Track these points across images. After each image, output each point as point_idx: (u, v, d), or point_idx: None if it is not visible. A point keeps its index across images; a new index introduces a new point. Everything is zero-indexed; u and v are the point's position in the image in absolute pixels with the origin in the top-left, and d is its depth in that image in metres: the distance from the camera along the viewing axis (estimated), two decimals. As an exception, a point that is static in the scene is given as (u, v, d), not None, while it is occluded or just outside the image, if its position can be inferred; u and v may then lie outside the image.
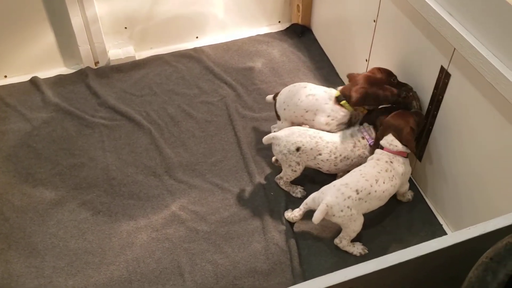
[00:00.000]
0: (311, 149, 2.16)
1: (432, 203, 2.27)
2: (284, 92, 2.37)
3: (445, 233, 2.17)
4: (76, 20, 2.79)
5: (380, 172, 2.02)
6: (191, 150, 2.56)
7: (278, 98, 2.39)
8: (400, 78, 2.21)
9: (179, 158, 2.52)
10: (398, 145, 2.05)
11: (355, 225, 2.01)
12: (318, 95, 2.28)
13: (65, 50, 2.96)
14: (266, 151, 2.54)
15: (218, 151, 2.57)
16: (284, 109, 2.35)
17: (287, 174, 2.26)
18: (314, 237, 2.17)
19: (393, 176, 2.04)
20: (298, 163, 2.21)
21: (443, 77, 1.95)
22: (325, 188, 2.03)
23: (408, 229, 2.20)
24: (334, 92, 2.28)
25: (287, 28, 3.34)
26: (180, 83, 2.96)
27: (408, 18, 2.11)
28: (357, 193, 1.96)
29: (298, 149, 2.16)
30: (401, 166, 2.05)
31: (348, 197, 1.95)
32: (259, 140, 2.58)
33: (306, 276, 2.03)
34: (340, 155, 2.18)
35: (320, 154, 2.17)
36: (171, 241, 2.15)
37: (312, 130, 2.23)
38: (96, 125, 2.66)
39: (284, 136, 2.19)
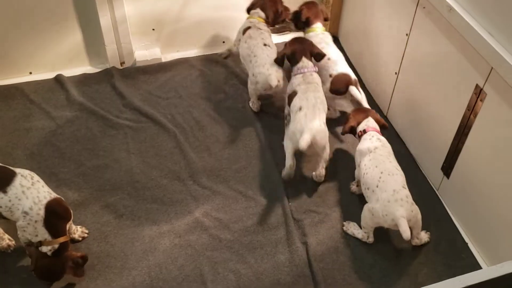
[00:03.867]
0: None
1: (459, 221, 2.24)
2: None
3: (471, 252, 2.14)
4: (104, 20, 2.78)
5: (389, 156, 2.18)
6: (216, 155, 2.55)
7: None
8: (433, 94, 2.19)
9: (203, 163, 2.51)
10: (374, 124, 2.30)
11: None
12: None
13: (91, 49, 2.96)
14: (290, 160, 2.52)
15: (242, 157, 2.55)
16: None
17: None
18: (338, 251, 2.15)
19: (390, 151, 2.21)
20: None
21: (478, 96, 1.92)
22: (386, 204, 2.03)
23: (434, 247, 2.17)
24: None
25: (314, 35, 3.31)
26: (206, 87, 2.95)
27: (444, 35, 2.08)
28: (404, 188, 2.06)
29: None
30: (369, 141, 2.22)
31: (407, 196, 2.04)
32: (283, 149, 2.57)
33: (329, 290, 2.01)
34: None
35: None
36: (193, 248, 2.14)
37: None
38: (121, 126, 2.65)
39: None
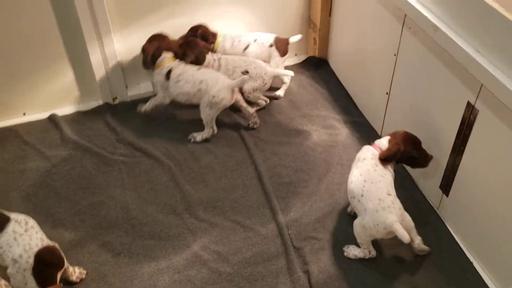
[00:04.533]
0: None
1: (462, 240, 2.21)
2: None
3: (477, 272, 2.10)
4: (95, 57, 2.80)
5: (381, 170, 2.11)
6: (212, 186, 2.53)
7: None
8: (425, 112, 2.18)
9: (199, 194, 2.49)
10: (383, 144, 2.16)
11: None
12: None
13: (83, 86, 2.96)
14: (288, 186, 2.50)
15: (238, 186, 2.53)
16: None
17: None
18: (341, 278, 2.11)
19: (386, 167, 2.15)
20: None
21: (470, 113, 1.91)
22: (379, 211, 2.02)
23: (438, 268, 2.13)
24: None
25: (304, 60, 3.34)
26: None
27: (432, 53, 2.09)
28: (389, 194, 2.04)
29: None
30: (364, 151, 2.18)
31: (392, 202, 2.03)
32: (280, 175, 2.56)
33: (334, 319, 1.97)
34: None
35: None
36: (193, 283, 2.10)
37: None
38: (116, 162, 2.64)
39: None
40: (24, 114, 2.94)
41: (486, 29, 1.77)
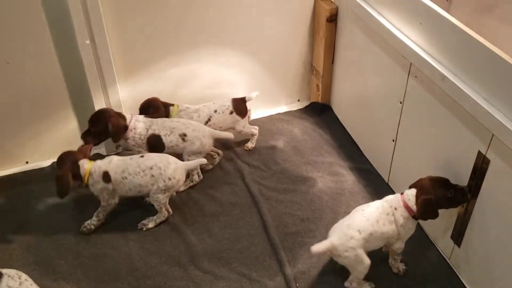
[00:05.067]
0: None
1: (474, 291, 2.15)
2: None
3: (492, 326, 2.03)
4: (99, 106, 2.78)
5: (381, 213, 2.07)
6: (216, 236, 2.48)
7: None
8: (435, 161, 2.16)
9: (203, 245, 2.43)
10: (412, 202, 2.04)
11: (362, 266, 2.06)
12: None
13: (86, 134, 2.94)
14: (294, 236, 2.45)
15: (244, 236, 2.48)
16: None
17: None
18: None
19: (393, 221, 2.08)
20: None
21: (482, 163, 1.89)
22: (335, 226, 2.14)
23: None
24: None
25: (307, 106, 3.34)
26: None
27: (440, 102, 2.08)
28: (360, 233, 2.03)
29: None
30: (401, 217, 2.07)
31: (351, 238, 2.02)
32: (287, 224, 2.51)
33: None
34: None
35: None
36: None
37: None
38: (118, 212, 2.58)
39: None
40: (27, 162, 2.91)
41: (494, 78, 1.77)
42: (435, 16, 2.00)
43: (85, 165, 2.36)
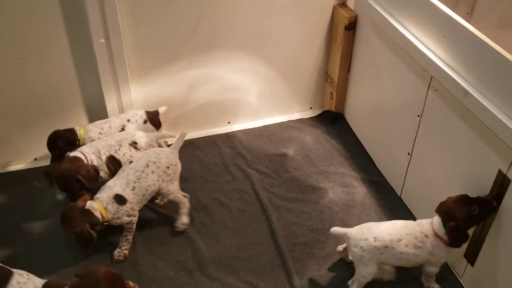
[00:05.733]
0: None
1: (487, 313, 2.09)
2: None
3: None
4: (111, 106, 2.77)
5: (408, 234, 2.03)
6: (224, 243, 2.44)
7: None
8: (452, 178, 2.11)
9: (211, 251, 2.39)
10: (442, 231, 2.00)
11: (365, 270, 2.08)
12: None
13: (96, 133, 2.92)
14: (303, 246, 2.41)
15: (252, 244, 2.43)
16: None
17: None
18: None
19: (420, 246, 2.03)
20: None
21: (502, 182, 1.84)
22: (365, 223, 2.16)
23: None
24: None
25: (320, 114, 3.30)
26: (211, 168, 2.89)
27: (460, 117, 2.03)
28: (374, 240, 2.03)
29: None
30: (430, 245, 2.03)
31: (365, 239, 2.04)
32: (296, 234, 2.47)
33: None
34: None
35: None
36: None
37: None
38: (126, 214, 2.55)
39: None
40: (35, 159, 2.89)
41: (519, 97, 1.73)
42: (460, 30, 1.95)
43: (94, 205, 2.22)
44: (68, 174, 2.29)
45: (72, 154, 2.39)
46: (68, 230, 2.17)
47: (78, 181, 2.29)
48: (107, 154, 2.46)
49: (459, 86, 1.94)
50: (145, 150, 2.52)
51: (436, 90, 2.16)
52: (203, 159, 2.95)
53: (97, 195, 2.27)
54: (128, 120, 2.66)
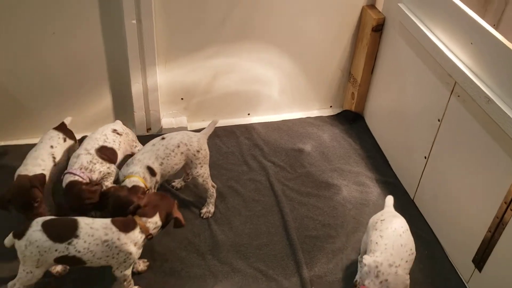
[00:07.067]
0: None
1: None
2: None
3: None
4: (136, 87, 2.82)
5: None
6: (236, 230, 2.49)
7: None
8: (468, 184, 2.14)
9: (223, 236, 2.44)
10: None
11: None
12: None
13: (119, 113, 2.98)
14: (314, 239, 2.45)
15: (263, 233, 2.48)
16: None
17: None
18: None
19: None
20: None
21: (519, 190, 1.86)
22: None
23: None
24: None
25: (339, 113, 3.33)
26: (229, 157, 2.93)
27: (481, 124, 2.05)
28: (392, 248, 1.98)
29: None
30: None
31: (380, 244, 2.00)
32: (307, 227, 2.51)
33: None
34: None
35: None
36: (210, 329, 2.03)
37: None
38: (143, 193, 2.61)
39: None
40: (58, 133, 2.94)
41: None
42: (489, 38, 1.97)
43: (134, 179, 2.23)
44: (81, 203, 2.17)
45: (68, 180, 2.22)
46: (126, 210, 2.09)
47: (89, 204, 2.19)
48: (96, 146, 2.34)
49: (482, 93, 1.96)
50: (125, 132, 2.50)
51: (458, 96, 2.18)
52: (221, 147, 3.00)
53: (130, 170, 2.28)
54: (52, 147, 2.38)
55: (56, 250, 1.90)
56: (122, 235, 1.96)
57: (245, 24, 2.83)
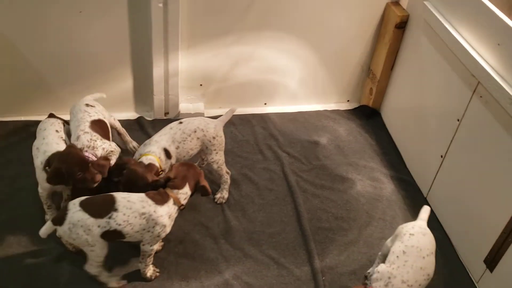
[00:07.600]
0: None
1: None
2: None
3: None
4: (157, 71, 2.84)
5: None
6: (249, 217, 2.51)
7: None
8: (481, 183, 2.14)
9: (236, 222, 2.47)
10: None
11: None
12: None
13: (139, 96, 3.01)
14: (326, 231, 2.47)
15: (276, 222, 2.50)
16: None
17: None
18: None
19: None
20: None
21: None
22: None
23: None
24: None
25: (356, 108, 3.34)
26: (244, 146, 2.95)
27: (502, 126, 2.06)
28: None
29: None
30: None
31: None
32: (320, 219, 2.53)
33: None
34: None
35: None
36: (222, 312, 2.06)
37: None
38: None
39: None
40: (76, 112, 2.96)
41: None
42: (517, 39, 1.98)
43: (151, 157, 2.27)
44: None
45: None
46: (142, 186, 2.13)
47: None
48: (88, 124, 2.32)
49: (507, 94, 1.96)
50: (96, 103, 2.48)
51: (481, 96, 2.18)
52: (237, 135, 3.02)
53: (147, 149, 2.31)
54: (57, 131, 2.35)
55: (99, 226, 1.93)
56: (158, 208, 2.00)
57: (269, 12, 2.84)
